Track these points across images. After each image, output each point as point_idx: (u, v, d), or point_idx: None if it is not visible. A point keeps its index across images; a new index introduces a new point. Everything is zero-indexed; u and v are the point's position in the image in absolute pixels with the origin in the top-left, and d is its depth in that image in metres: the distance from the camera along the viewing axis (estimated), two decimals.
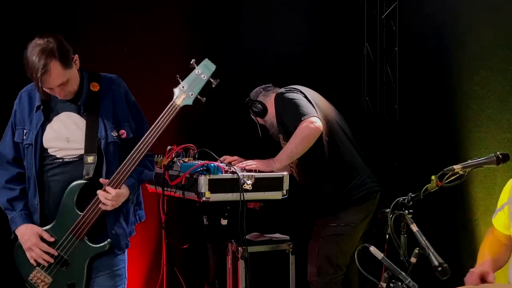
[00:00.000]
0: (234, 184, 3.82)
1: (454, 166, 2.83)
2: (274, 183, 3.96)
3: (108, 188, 3.03)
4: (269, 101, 4.28)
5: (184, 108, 3.07)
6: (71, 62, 3.05)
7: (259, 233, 4.46)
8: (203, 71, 3.04)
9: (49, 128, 3.15)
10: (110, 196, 3.03)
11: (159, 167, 3.97)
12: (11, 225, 3.18)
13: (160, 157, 4.02)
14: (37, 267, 3.15)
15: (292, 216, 4.91)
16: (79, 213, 3.08)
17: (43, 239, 3.10)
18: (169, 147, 4.03)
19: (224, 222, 3.96)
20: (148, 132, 3.06)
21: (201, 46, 5.13)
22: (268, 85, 4.39)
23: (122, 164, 3.05)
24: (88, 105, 3.15)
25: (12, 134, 3.22)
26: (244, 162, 4.13)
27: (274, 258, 4.26)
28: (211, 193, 3.76)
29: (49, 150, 3.15)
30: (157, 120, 3.05)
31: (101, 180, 3.08)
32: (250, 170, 4.00)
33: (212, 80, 3.06)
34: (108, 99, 3.19)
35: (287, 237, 4.42)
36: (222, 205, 3.93)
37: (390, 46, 5.35)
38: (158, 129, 3.04)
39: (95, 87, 3.17)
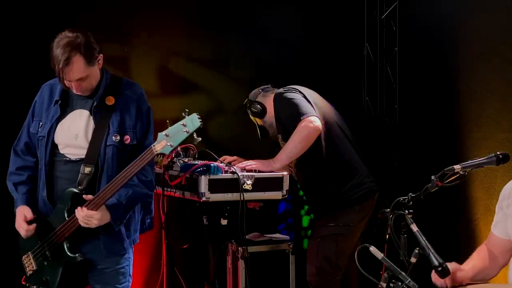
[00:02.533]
0: (234, 184, 3.82)
1: (454, 166, 2.83)
2: (274, 183, 3.96)
3: (83, 208, 3.08)
4: (268, 102, 4.28)
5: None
6: (95, 60, 3.13)
7: (259, 233, 4.46)
8: (188, 124, 2.97)
9: (61, 124, 3.23)
10: (80, 216, 3.09)
11: (159, 167, 3.97)
12: (15, 207, 3.29)
13: (160, 157, 4.02)
14: (29, 252, 3.25)
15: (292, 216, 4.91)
16: (66, 218, 3.15)
17: (30, 222, 3.19)
18: None
19: (224, 222, 3.96)
20: (126, 168, 3.06)
21: (201, 46, 5.13)
22: (267, 85, 4.39)
23: (102, 189, 3.09)
24: (100, 111, 3.21)
25: (29, 124, 3.33)
26: (244, 162, 4.12)
27: (274, 258, 4.27)
28: (211, 193, 3.77)
29: (59, 147, 3.23)
30: (136, 159, 3.05)
31: (84, 196, 3.12)
32: (250, 170, 4.00)
33: (194, 137, 3.00)
34: (119, 105, 3.23)
35: (287, 237, 4.42)
36: (222, 205, 3.93)
37: (390, 46, 5.35)
38: (135, 168, 3.04)
39: (110, 101, 3.22)
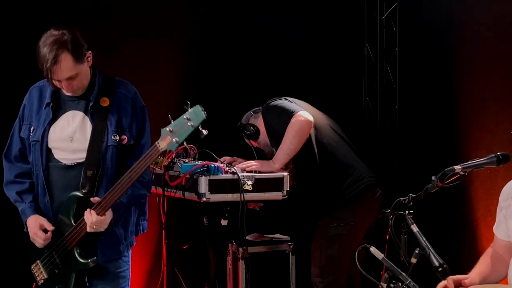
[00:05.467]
0: (234, 185, 3.81)
1: (455, 167, 2.83)
2: (274, 184, 3.96)
3: (92, 212, 3.01)
4: (260, 122, 4.29)
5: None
6: (83, 58, 3.04)
7: (259, 233, 4.46)
8: (192, 118, 2.85)
9: (54, 127, 3.15)
10: (89, 222, 3.02)
11: (159, 167, 3.97)
12: (22, 217, 3.20)
13: (160, 157, 4.02)
14: (38, 260, 3.18)
15: (293, 216, 4.91)
16: (73, 223, 3.09)
17: (45, 230, 3.12)
18: None
19: (224, 222, 3.96)
20: (131, 169, 2.99)
21: (202, 46, 5.13)
22: (257, 108, 4.39)
23: (109, 192, 3.02)
24: (97, 112, 3.14)
25: (19, 128, 3.23)
26: (244, 162, 4.13)
27: (275, 258, 4.26)
28: (211, 193, 3.76)
29: (53, 151, 3.15)
30: (141, 158, 2.98)
31: (91, 199, 3.05)
32: (250, 171, 4.00)
33: (200, 129, 2.89)
34: (115, 105, 3.16)
35: (287, 238, 4.42)
36: (222, 206, 3.93)
37: (390, 47, 5.35)
38: (140, 168, 2.97)
39: (105, 102, 3.14)
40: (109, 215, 3.04)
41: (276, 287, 4.29)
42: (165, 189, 4.01)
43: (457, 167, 2.83)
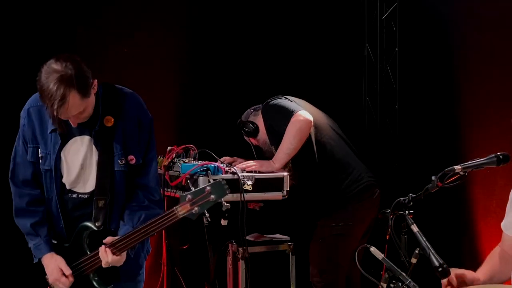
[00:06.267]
0: (234, 185, 3.81)
1: (455, 167, 2.83)
2: (274, 184, 3.96)
3: (108, 251, 2.87)
4: (259, 120, 4.29)
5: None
6: (90, 90, 2.81)
7: (259, 233, 4.46)
8: (214, 191, 2.77)
9: (64, 155, 2.97)
10: (104, 261, 2.89)
11: (159, 167, 3.97)
12: (34, 251, 3.03)
13: (161, 157, 4.02)
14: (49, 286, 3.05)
15: (293, 216, 4.91)
16: (87, 252, 2.97)
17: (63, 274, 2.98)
18: (169, 148, 4.03)
19: (224, 222, 3.96)
20: (146, 224, 2.85)
21: (202, 45, 5.14)
22: (258, 106, 4.39)
23: (125, 236, 2.88)
24: (102, 135, 2.95)
25: (23, 152, 3.02)
26: (244, 162, 4.13)
27: (275, 258, 4.27)
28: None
29: (65, 183, 2.99)
30: (156, 219, 2.84)
31: (104, 241, 2.90)
32: (250, 171, 4.00)
33: (223, 203, 2.88)
34: (120, 124, 2.96)
35: (287, 238, 4.43)
36: (222, 206, 3.93)
37: (390, 47, 5.36)
38: (154, 229, 2.84)
39: (109, 122, 2.94)
40: (124, 254, 2.92)
41: (276, 287, 4.29)
42: (165, 189, 4.01)
43: (457, 167, 2.82)
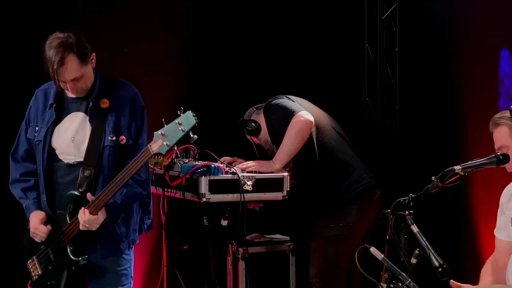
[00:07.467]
0: (234, 185, 3.82)
1: (455, 167, 2.83)
2: (274, 184, 3.96)
3: (85, 211, 3.07)
4: (261, 119, 4.29)
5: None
6: (88, 59, 3.13)
7: (259, 233, 4.46)
8: (183, 123, 2.93)
9: (58, 128, 3.23)
10: (82, 220, 3.08)
11: (159, 167, 3.97)
12: (25, 213, 3.27)
13: (161, 158, 4.02)
14: (34, 256, 3.24)
15: (293, 217, 4.91)
16: (68, 221, 3.16)
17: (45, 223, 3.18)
18: None
19: (224, 223, 3.96)
20: (124, 170, 3.06)
21: (202, 46, 5.13)
22: (260, 104, 4.39)
23: (102, 191, 3.09)
24: (96, 113, 3.20)
25: (25, 130, 3.31)
26: (244, 163, 4.13)
27: (275, 258, 4.26)
28: (211, 194, 3.76)
29: (56, 151, 3.22)
30: (133, 160, 3.05)
31: (88, 195, 3.11)
32: (250, 171, 4.00)
33: (190, 135, 2.96)
34: (114, 106, 3.23)
35: (287, 238, 4.42)
36: (222, 206, 3.93)
37: (390, 47, 5.36)
38: (132, 169, 3.04)
39: (105, 104, 3.21)
40: (102, 214, 3.09)
41: (276, 287, 4.29)
42: (165, 189, 4.01)
43: (457, 167, 2.82)
